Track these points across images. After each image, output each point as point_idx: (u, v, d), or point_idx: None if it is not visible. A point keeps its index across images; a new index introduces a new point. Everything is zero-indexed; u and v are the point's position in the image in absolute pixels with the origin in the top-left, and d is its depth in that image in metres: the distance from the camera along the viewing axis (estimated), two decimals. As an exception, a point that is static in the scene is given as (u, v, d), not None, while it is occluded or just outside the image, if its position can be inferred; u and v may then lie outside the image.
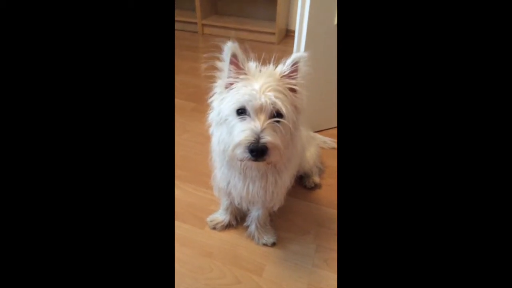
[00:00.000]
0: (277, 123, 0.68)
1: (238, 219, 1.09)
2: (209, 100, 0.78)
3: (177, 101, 1.82)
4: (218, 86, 0.76)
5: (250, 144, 0.65)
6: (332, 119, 1.56)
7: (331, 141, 1.47)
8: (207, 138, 1.51)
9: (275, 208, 0.96)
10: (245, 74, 0.71)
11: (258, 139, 0.65)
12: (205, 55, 0.72)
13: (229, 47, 0.70)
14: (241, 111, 0.69)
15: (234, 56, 0.70)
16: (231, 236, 1.06)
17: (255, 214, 1.01)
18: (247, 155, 0.66)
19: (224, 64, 0.73)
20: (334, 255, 1.01)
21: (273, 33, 2.55)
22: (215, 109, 0.76)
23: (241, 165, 0.77)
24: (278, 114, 0.68)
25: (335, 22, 1.26)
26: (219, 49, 0.71)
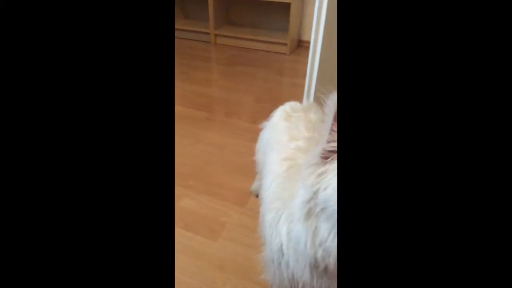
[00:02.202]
0: None
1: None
2: (300, 178, 0.54)
3: (190, 111, 1.84)
4: (312, 155, 0.51)
5: None
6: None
7: None
8: (219, 148, 1.52)
9: None
10: None
11: None
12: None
13: (334, 102, 0.48)
14: None
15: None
16: (244, 249, 1.04)
17: None
18: None
19: (326, 125, 0.50)
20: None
21: (285, 44, 2.56)
22: (306, 190, 0.51)
23: None
24: None
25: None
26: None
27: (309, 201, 0.50)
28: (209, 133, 1.63)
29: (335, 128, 0.49)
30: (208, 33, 2.80)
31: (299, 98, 1.09)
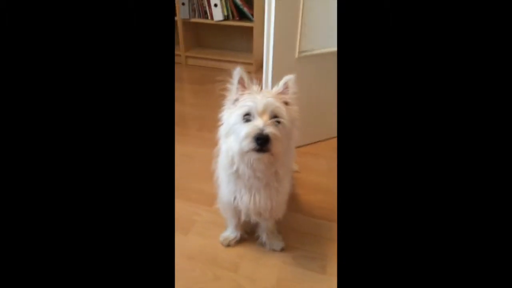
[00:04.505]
0: (277, 123, 0.85)
1: (248, 231, 1.22)
2: (220, 115, 0.98)
3: (163, 127, 1.99)
4: (228, 102, 0.95)
5: (256, 134, 0.80)
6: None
7: (295, 165, 1.60)
8: (190, 158, 1.67)
9: (280, 216, 1.10)
10: (249, 91, 0.91)
11: (262, 130, 0.80)
12: (219, 78, 0.95)
13: (237, 72, 0.92)
14: (246, 116, 0.85)
15: (241, 78, 0.92)
16: (211, 241, 1.20)
17: (264, 225, 1.15)
18: (253, 144, 0.80)
19: (233, 85, 0.93)
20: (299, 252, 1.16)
21: (251, 63, 2.80)
22: (225, 122, 0.93)
23: (247, 166, 0.89)
24: (276, 117, 0.85)
25: (296, 55, 1.49)
26: (230, 75, 0.94)
27: (226, 128, 0.91)
28: (181, 146, 1.79)
29: (239, 87, 0.92)
30: (179, 55, 3.00)
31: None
